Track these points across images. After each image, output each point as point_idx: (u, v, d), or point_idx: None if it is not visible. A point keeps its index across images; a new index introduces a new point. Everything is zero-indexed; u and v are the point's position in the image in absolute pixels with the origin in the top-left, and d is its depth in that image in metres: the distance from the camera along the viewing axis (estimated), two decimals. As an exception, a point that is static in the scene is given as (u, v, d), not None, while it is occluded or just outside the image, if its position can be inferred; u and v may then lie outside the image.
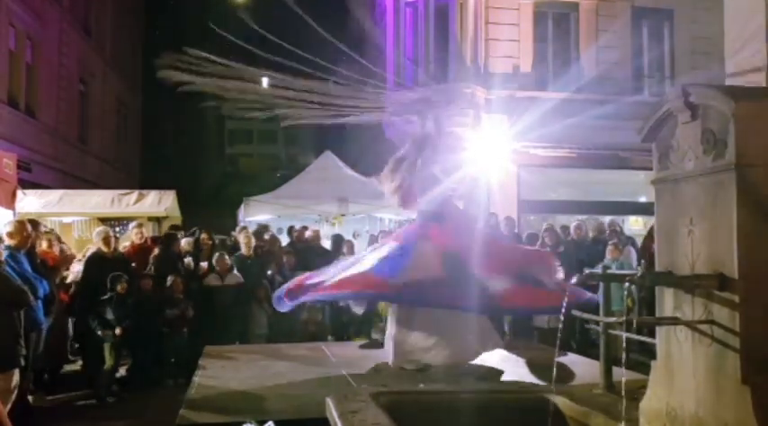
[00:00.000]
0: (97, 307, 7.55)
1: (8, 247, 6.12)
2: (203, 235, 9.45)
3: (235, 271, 8.67)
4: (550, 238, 9.45)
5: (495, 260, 5.47)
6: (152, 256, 8.80)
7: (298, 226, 12.54)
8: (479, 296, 5.08)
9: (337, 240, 10.25)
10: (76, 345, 8.78)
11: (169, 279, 8.35)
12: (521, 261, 5.74)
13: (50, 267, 7.53)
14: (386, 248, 5.71)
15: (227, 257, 8.76)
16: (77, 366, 8.75)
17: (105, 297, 7.57)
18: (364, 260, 5.72)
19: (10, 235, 6.27)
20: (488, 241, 6.03)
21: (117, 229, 10.78)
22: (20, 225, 6.56)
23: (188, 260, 8.97)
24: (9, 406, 5.19)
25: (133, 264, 8.65)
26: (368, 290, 5.49)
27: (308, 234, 10.46)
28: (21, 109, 15.71)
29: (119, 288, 7.59)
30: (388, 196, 6.22)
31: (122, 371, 8.24)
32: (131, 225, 9.45)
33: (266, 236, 10.33)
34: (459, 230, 5.85)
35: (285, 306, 5.81)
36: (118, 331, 7.44)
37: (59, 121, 18.07)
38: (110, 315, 7.48)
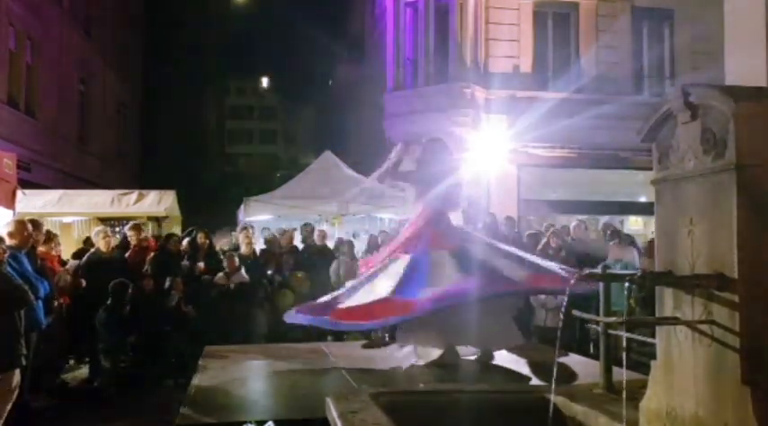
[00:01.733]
0: (99, 315, 7.57)
1: (9, 247, 6.11)
2: (200, 235, 9.41)
3: (243, 272, 8.67)
4: (556, 242, 9.33)
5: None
6: (149, 257, 8.78)
7: (298, 225, 12.50)
8: (503, 280, 5.15)
9: (337, 243, 10.25)
10: (76, 345, 8.77)
11: (168, 280, 8.36)
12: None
13: (51, 267, 7.53)
14: (398, 266, 5.58)
15: (236, 257, 8.76)
16: (77, 366, 8.75)
17: (107, 304, 7.57)
18: (377, 281, 5.58)
19: (11, 234, 6.26)
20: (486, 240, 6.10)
21: (117, 229, 10.78)
22: (20, 225, 6.54)
23: (185, 262, 8.93)
24: (9, 406, 5.19)
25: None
26: (395, 316, 5.28)
27: (315, 234, 10.43)
28: (21, 109, 15.71)
29: (125, 297, 7.60)
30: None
31: (122, 371, 8.24)
32: (126, 227, 9.44)
33: (266, 236, 10.35)
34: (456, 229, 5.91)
35: (293, 319, 5.73)
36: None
37: (59, 121, 18.07)
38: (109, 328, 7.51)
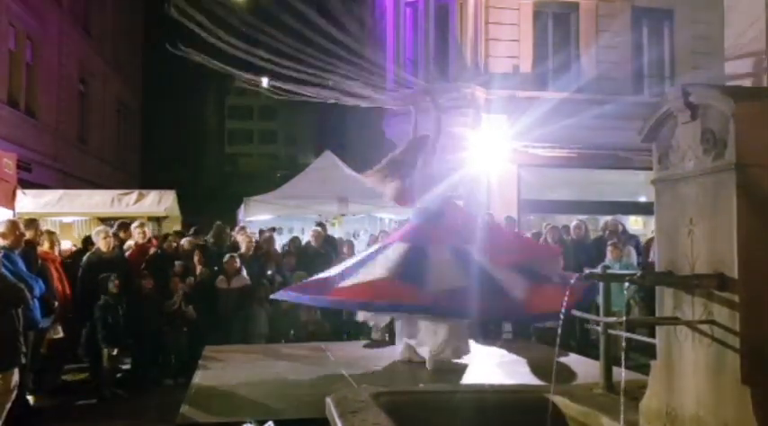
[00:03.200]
0: (96, 313, 7.55)
1: (2, 248, 6.10)
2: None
3: (243, 274, 8.64)
4: (552, 236, 9.48)
5: (503, 255, 5.51)
6: (146, 257, 8.77)
7: (297, 226, 12.47)
8: (505, 303, 5.13)
9: (332, 242, 10.24)
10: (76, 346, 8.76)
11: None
12: (527, 254, 5.77)
13: (52, 266, 7.51)
14: (396, 250, 5.56)
15: (237, 259, 8.72)
16: (78, 366, 8.74)
17: (100, 302, 7.56)
18: (375, 261, 5.55)
19: (3, 235, 6.24)
20: (492, 234, 6.06)
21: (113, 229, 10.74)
22: (12, 224, 6.52)
23: (178, 262, 8.91)
24: (9, 406, 5.19)
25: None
26: (403, 302, 5.23)
27: (311, 235, 10.42)
28: (21, 109, 15.71)
29: (111, 287, 7.58)
30: (384, 193, 6.23)
31: (122, 371, 8.25)
32: (133, 225, 9.40)
33: (266, 236, 10.34)
34: (460, 228, 5.84)
35: (284, 296, 5.74)
36: (115, 352, 7.57)
37: (59, 121, 18.06)
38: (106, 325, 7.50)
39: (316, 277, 5.99)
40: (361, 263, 5.68)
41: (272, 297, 6.11)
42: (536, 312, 5.31)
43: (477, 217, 9.99)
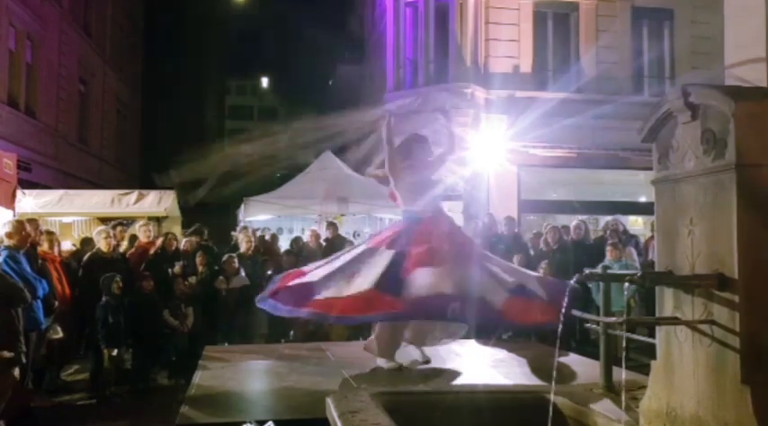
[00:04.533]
0: (97, 313, 7.54)
1: (7, 247, 6.10)
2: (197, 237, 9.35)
3: (242, 274, 8.63)
4: (552, 237, 9.47)
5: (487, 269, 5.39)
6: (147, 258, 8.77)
7: (297, 226, 12.51)
8: (482, 309, 4.94)
9: (341, 241, 10.24)
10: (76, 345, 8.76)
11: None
12: (511, 272, 5.63)
13: (52, 266, 7.51)
14: (382, 257, 5.37)
15: (235, 259, 8.71)
16: (78, 366, 8.75)
17: (102, 302, 7.55)
18: (359, 270, 5.34)
19: (9, 235, 6.25)
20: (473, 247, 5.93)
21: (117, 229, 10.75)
22: (18, 224, 6.53)
23: (178, 263, 8.90)
24: (4, 405, 5.19)
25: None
26: (382, 312, 5.08)
27: (307, 235, 10.43)
28: (21, 109, 15.71)
29: (114, 288, 7.56)
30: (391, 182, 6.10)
31: (122, 371, 8.24)
32: (137, 224, 9.38)
33: (267, 237, 10.36)
34: (447, 234, 5.71)
35: (266, 305, 5.51)
36: (115, 352, 7.54)
37: (59, 121, 18.07)
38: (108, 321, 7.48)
39: (298, 280, 5.57)
40: (339, 271, 5.43)
41: (260, 305, 5.79)
42: (510, 320, 5.11)
43: (477, 219, 9.98)
